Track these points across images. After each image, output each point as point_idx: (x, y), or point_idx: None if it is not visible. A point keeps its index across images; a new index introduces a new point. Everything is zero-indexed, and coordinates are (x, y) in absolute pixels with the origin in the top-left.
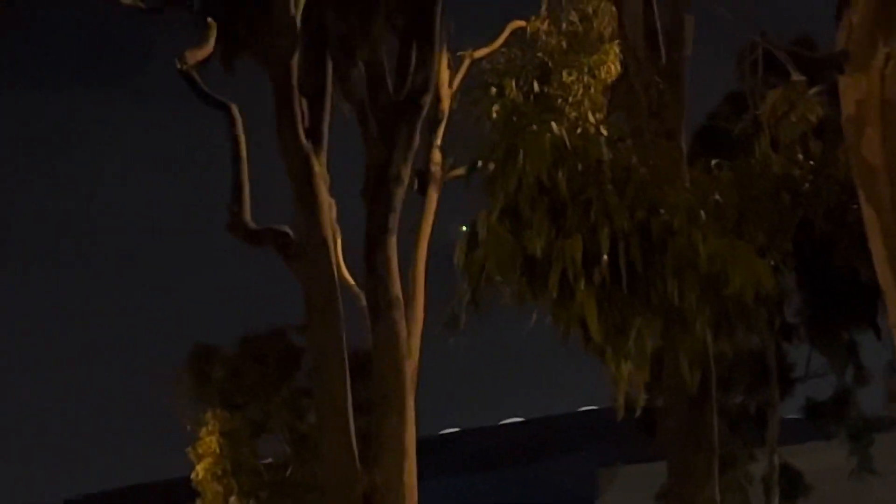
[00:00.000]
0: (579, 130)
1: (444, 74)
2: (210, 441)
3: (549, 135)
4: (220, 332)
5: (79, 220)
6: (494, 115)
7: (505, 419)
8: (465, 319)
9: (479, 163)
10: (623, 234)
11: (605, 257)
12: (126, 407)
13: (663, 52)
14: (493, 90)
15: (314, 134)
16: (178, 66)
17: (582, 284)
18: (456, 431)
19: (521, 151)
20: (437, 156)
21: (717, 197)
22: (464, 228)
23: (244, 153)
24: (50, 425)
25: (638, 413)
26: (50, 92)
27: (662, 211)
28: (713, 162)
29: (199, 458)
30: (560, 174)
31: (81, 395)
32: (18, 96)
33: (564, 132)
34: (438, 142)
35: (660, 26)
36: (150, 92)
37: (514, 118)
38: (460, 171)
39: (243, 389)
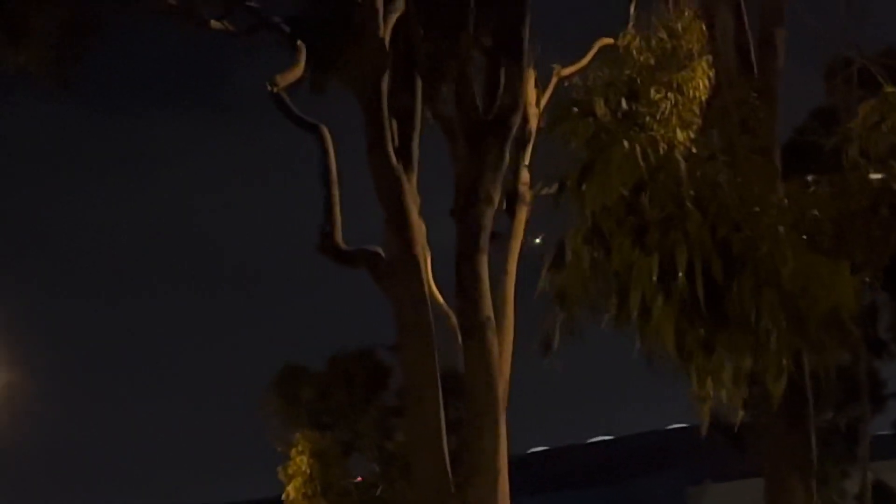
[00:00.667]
0: (663, 148)
1: (532, 93)
2: (300, 461)
3: (632, 153)
4: (308, 352)
5: (169, 242)
6: (582, 133)
7: (593, 437)
8: (557, 343)
9: (567, 182)
10: (702, 252)
11: (681, 275)
12: (216, 427)
13: (755, 66)
14: (580, 108)
15: (404, 154)
16: (269, 88)
17: (659, 303)
18: (544, 450)
19: (606, 170)
20: (524, 175)
21: (815, 212)
22: (537, 241)
23: (335, 174)
24: (142, 446)
25: (731, 430)
26: (139, 113)
27: (745, 228)
28: (808, 177)
29: (290, 478)
30: (644, 192)
31: (172, 416)
32: (107, 118)
33: (649, 150)
34: (526, 161)
35: (751, 41)
36: (236, 112)
37: (602, 135)
38: (548, 190)
39: (332, 409)
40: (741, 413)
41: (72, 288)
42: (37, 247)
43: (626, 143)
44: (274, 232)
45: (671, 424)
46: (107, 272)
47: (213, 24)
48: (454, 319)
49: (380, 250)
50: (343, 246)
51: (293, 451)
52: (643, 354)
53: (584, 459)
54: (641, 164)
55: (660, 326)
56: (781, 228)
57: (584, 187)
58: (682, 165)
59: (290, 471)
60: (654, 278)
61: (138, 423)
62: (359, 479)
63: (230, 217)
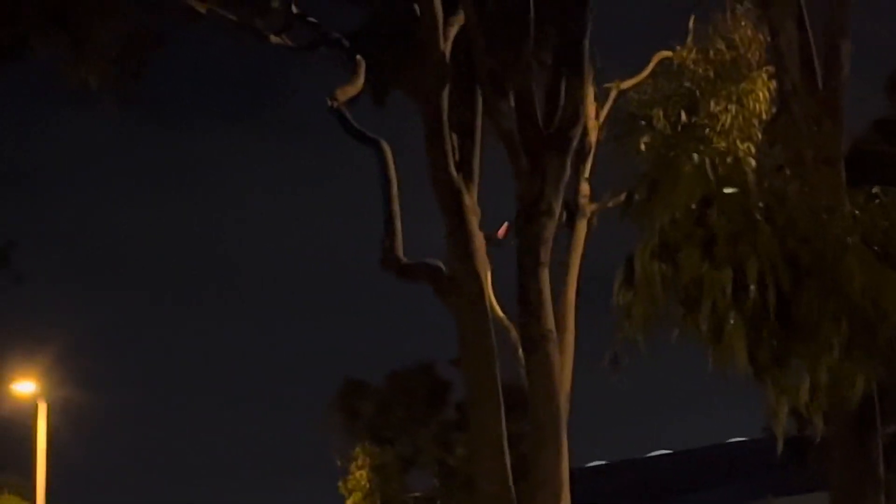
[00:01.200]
0: (730, 160)
1: (591, 107)
2: (360, 475)
3: (700, 166)
4: (369, 367)
5: (232, 256)
6: (643, 146)
7: (652, 451)
8: (626, 359)
9: (635, 196)
10: (771, 264)
11: (753, 288)
12: (278, 441)
13: (820, 79)
14: (641, 121)
15: (465, 168)
16: (329, 103)
17: (731, 317)
18: (603, 464)
19: (674, 183)
20: (584, 188)
21: (885, 223)
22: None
23: (395, 188)
24: (204, 461)
25: (793, 443)
26: (198, 127)
27: (813, 240)
28: (875, 189)
29: (350, 492)
30: (712, 206)
31: (234, 430)
32: (167, 131)
33: (717, 162)
34: (586, 174)
35: (816, 53)
36: (295, 126)
37: (667, 150)
38: (608, 203)
39: (392, 424)
40: (820, 426)
41: (132, 303)
42: (97, 261)
43: (695, 157)
44: (336, 246)
45: (731, 438)
46: (167, 286)
47: (273, 38)
48: (515, 333)
49: (441, 264)
50: (404, 260)
51: (353, 466)
52: (715, 368)
53: (643, 474)
54: (711, 177)
55: (732, 339)
56: (850, 240)
57: (651, 201)
58: (752, 178)
59: (350, 485)
60: (728, 291)
61: (200, 437)
62: (416, 494)
63: (293, 231)
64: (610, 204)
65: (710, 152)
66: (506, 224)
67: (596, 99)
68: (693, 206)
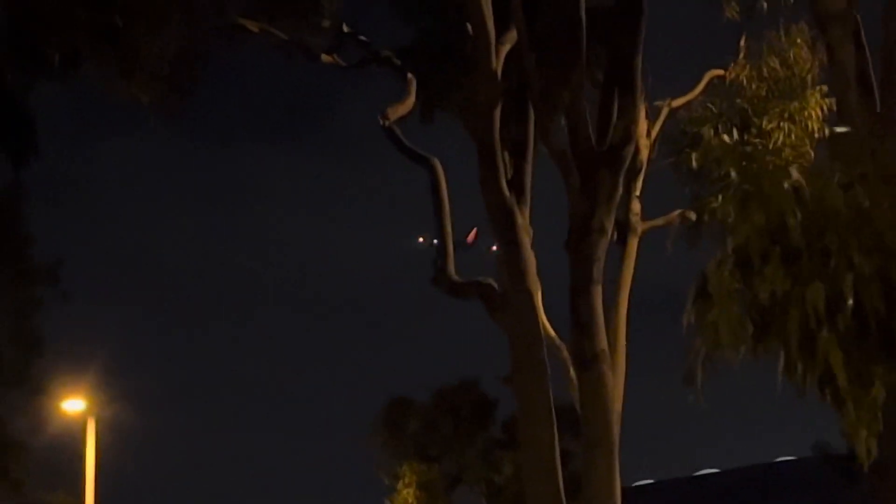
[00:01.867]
0: (814, 176)
1: (643, 124)
2: (406, 493)
3: (785, 182)
4: (415, 384)
5: (278, 273)
6: (694, 163)
7: (700, 470)
8: (701, 377)
9: (707, 212)
10: (864, 280)
11: (850, 304)
12: (323, 458)
13: (878, 97)
14: (692, 139)
15: (517, 186)
16: (381, 122)
17: (825, 332)
18: (650, 483)
19: (752, 199)
20: (636, 206)
21: None
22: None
23: (447, 206)
24: (248, 477)
25: (840, 462)
26: (248, 145)
27: None
28: None
29: None
30: (793, 221)
31: (279, 447)
32: (217, 149)
33: (801, 178)
34: (637, 192)
35: (872, 71)
36: (342, 145)
37: (750, 165)
38: (658, 221)
39: (438, 441)
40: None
41: (180, 318)
42: (144, 278)
43: (793, 172)
44: (381, 264)
45: (780, 457)
46: (214, 304)
47: (324, 57)
48: (565, 352)
49: (493, 282)
50: (456, 278)
51: (400, 484)
52: (796, 386)
53: (691, 493)
54: (791, 192)
55: (829, 356)
56: None
57: (729, 217)
58: (838, 192)
59: (396, 503)
60: (821, 307)
61: (247, 455)
62: None
63: (340, 249)
64: (661, 222)
65: (798, 168)
66: (474, 230)
67: (647, 117)
68: (775, 223)
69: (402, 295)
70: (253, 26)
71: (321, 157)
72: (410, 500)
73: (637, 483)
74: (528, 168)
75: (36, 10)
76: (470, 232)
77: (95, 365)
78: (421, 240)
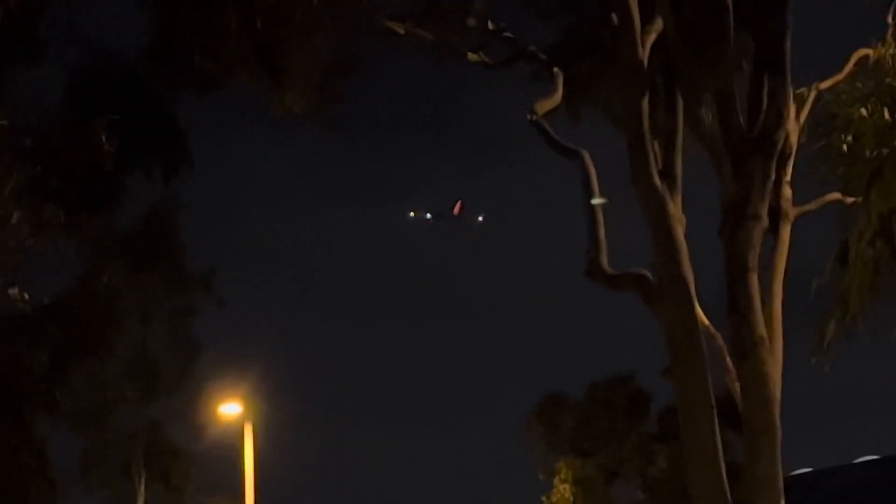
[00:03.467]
0: None
1: (790, 108)
2: (563, 489)
3: None
4: (567, 379)
5: (428, 273)
6: (845, 146)
7: (860, 457)
8: (835, 347)
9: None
10: None
11: None
12: (478, 457)
13: None
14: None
15: (668, 175)
16: (528, 117)
17: None
18: (809, 472)
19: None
20: (787, 191)
21: None
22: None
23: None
24: (406, 477)
25: None
26: (397, 145)
27: None
28: None
29: None
30: None
31: (432, 443)
32: (368, 150)
33: None
34: (788, 177)
35: None
36: (490, 143)
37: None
38: (810, 206)
39: (593, 436)
40: None
41: (333, 319)
42: (296, 281)
43: None
44: (533, 259)
45: None
46: (366, 305)
47: (471, 56)
48: (720, 341)
49: (647, 273)
50: (610, 270)
51: (556, 479)
52: None
53: (851, 481)
54: None
55: None
56: None
57: (871, 191)
58: None
59: (553, 499)
60: None
61: (402, 455)
62: None
63: (490, 246)
64: (813, 206)
65: None
66: (459, 202)
67: (795, 100)
68: None
69: (552, 290)
70: (400, 28)
71: (472, 156)
72: (567, 496)
73: (795, 472)
74: (678, 157)
75: (184, 23)
76: (455, 204)
77: (251, 369)
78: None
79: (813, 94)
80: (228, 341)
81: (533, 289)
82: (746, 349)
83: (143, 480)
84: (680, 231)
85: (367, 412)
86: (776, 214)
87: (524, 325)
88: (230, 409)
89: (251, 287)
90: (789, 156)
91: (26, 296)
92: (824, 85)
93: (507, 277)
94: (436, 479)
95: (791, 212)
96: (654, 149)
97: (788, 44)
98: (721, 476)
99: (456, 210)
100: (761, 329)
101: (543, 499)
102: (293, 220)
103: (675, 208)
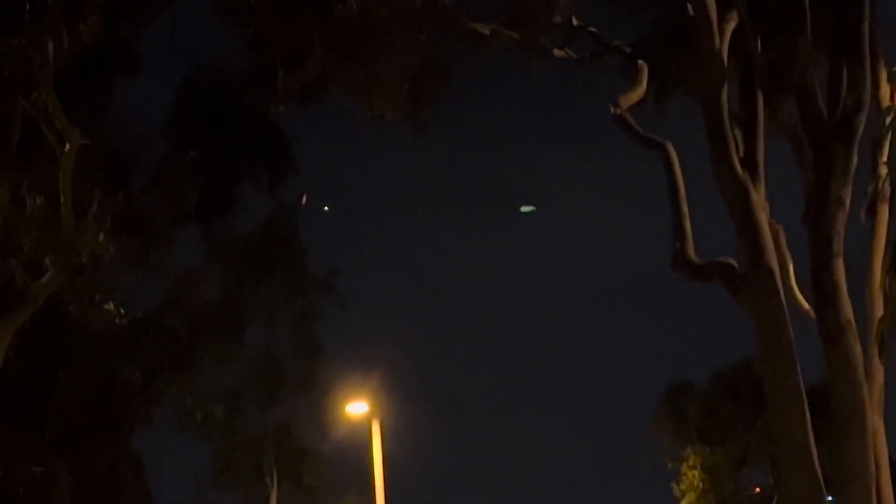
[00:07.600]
0: None
1: (885, 89)
2: (692, 476)
3: None
4: (692, 367)
5: (544, 267)
6: None
7: None
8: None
9: None
10: None
11: None
12: (605, 445)
13: None
14: None
15: (750, 163)
16: (612, 110)
17: None
18: None
19: None
20: (883, 171)
21: None
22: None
23: (682, 190)
24: (531, 469)
25: None
26: (498, 146)
27: None
28: None
29: (683, 493)
30: None
31: (558, 437)
32: (471, 151)
33: None
34: (884, 158)
35: None
36: (585, 135)
37: None
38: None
39: (720, 424)
40: None
41: (454, 318)
42: (416, 282)
43: None
44: (658, 247)
45: None
46: (485, 302)
47: (557, 52)
48: None
49: (733, 262)
50: (696, 260)
51: (684, 467)
52: None
53: None
54: None
55: None
56: None
57: None
58: None
59: (683, 486)
60: None
61: (527, 447)
62: (756, 489)
63: (606, 235)
64: None
65: None
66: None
67: (891, 80)
68: None
69: (672, 279)
70: (486, 29)
71: (569, 150)
72: (696, 483)
73: None
74: (760, 145)
75: (275, 35)
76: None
77: (375, 367)
78: (304, 201)
79: None
80: (352, 342)
81: (652, 278)
82: (833, 335)
83: (275, 481)
84: (763, 219)
85: (492, 409)
86: (873, 196)
87: (646, 316)
88: (357, 407)
89: (373, 288)
90: (884, 137)
91: (122, 310)
92: None
93: (625, 269)
94: (564, 470)
95: (888, 192)
96: (735, 138)
97: (867, 27)
98: (814, 467)
99: (304, 201)
100: (848, 314)
101: (674, 486)
102: (414, 223)
103: (757, 196)
